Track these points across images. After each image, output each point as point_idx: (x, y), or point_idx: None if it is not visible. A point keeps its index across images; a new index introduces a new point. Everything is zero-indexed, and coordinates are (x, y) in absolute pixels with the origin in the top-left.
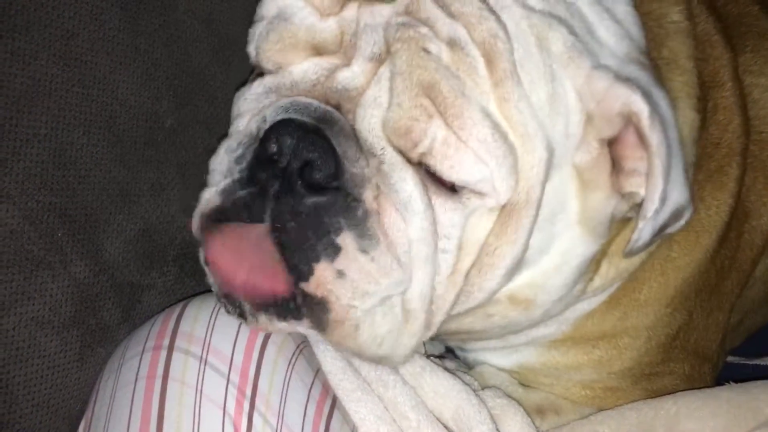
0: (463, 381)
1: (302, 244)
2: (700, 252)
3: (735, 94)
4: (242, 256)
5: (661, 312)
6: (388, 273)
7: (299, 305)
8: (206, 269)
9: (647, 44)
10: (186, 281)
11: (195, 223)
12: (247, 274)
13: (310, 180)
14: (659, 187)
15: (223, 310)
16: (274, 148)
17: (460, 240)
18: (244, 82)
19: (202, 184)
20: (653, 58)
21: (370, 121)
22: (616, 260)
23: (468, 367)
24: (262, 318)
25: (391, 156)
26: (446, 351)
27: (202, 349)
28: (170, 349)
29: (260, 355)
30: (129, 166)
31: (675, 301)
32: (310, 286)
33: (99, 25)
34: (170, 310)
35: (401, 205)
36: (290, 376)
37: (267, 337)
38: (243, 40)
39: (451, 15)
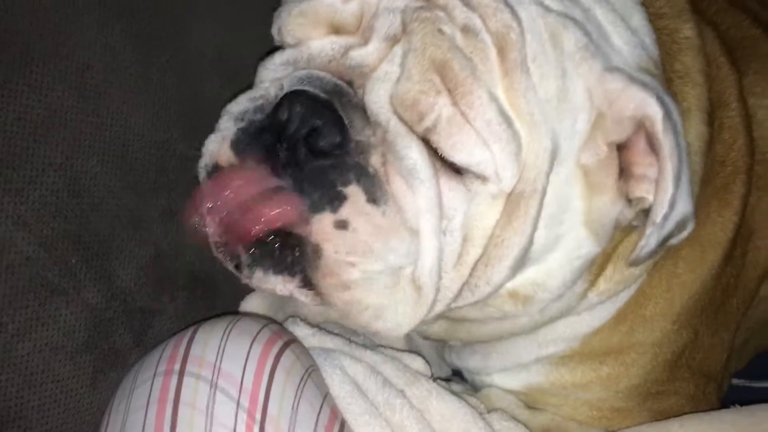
0: (469, 404)
1: (304, 194)
2: (706, 268)
3: (740, 114)
4: (250, 194)
5: (667, 329)
6: (398, 233)
7: (296, 257)
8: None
9: (661, 57)
10: (196, 306)
11: (203, 165)
12: (255, 210)
13: (315, 146)
14: (669, 192)
15: (234, 332)
16: (285, 115)
17: (464, 227)
18: (269, 52)
19: None
20: (666, 71)
21: (378, 93)
22: (621, 264)
23: (474, 389)
24: (258, 271)
25: (395, 125)
26: (453, 374)
27: (213, 374)
28: (181, 373)
29: (270, 379)
30: (141, 194)
31: (681, 318)
32: (305, 231)
33: (113, 57)
34: (181, 334)
35: (407, 172)
36: (299, 401)
37: (276, 361)
38: (252, 69)
39: (468, 5)
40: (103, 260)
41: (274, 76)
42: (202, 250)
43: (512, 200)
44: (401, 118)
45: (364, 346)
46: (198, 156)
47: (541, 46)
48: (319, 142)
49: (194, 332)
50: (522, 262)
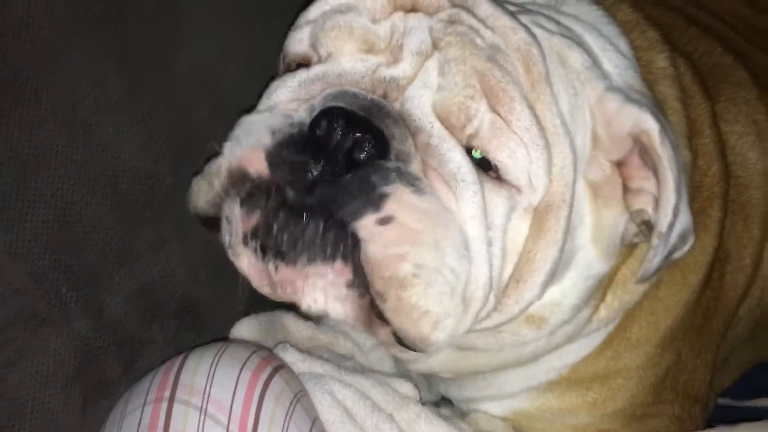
0: (458, 428)
1: (348, 201)
2: (687, 292)
3: (714, 141)
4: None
5: (651, 352)
6: (446, 221)
7: (342, 240)
8: (241, 207)
9: None
10: (186, 334)
11: (226, 168)
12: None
13: (357, 158)
14: (672, 201)
15: (223, 359)
16: (323, 131)
17: (503, 237)
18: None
19: (202, 240)
20: None
21: (420, 100)
22: (620, 292)
23: (463, 414)
24: (302, 259)
25: (439, 130)
26: (442, 398)
27: (202, 400)
28: (171, 401)
29: (259, 405)
30: (130, 224)
31: (664, 341)
32: (354, 226)
33: (102, 91)
34: (170, 362)
35: (450, 176)
36: (288, 426)
37: (266, 387)
38: (241, 99)
39: (489, 27)
40: (93, 290)
41: (299, 94)
42: (190, 280)
43: (540, 213)
44: (445, 126)
45: (354, 371)
46: (185, 187)
47: (553, 64)
48: (361, 155)
49: (184, 360)
50: (552, 277)
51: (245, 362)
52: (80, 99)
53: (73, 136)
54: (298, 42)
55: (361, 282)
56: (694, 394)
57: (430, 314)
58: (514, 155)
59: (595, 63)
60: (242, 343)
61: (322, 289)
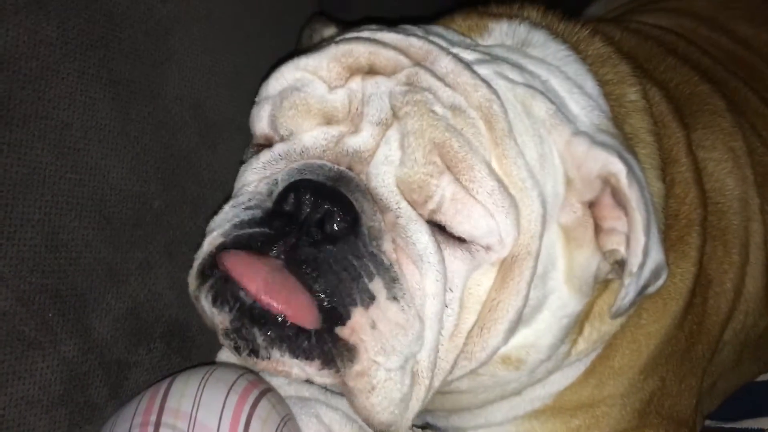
0: None
1: (339, 286)
2: (668, 318)
3: (690, 169)
4: (267, 279)
5: (635, 379)
6: (412, 325)
7: (313, 345)
8: (212, 307)
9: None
10: (173, 357)
11: (195, 267)
12: (276, 298)
13: (330, 231)
14: (641, 241)
15: (210, 382)
16: (290, 204)
17: (462, 296)
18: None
19: (190, 262)
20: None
21: (384, 178)
22: (598, 324)
23: None
24: (276, 354)
25: (406, 210)
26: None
27: (189, 424)
28: (157, 425)
29: (245, 429)
30: (118, 247)
31: (647, 368)
32: (345, 331)
33: (91, 115)
34: (157, 385)
35: (417, 257)
36: None
37: (252, 410)
38: (228, 124)
39: (448, 85)
40: (80, 313)
41: (263, 174)
42: (178, 302)
43: (507, 264)
44: (409, 201)
45: (340, 394)
46: (173, 210)
47: (517, 116)
48: (334, 227)
49: (170, 383)
50: (516, 324)
51: (232, 385)
52: (69, 123)
53: (62, 159)
54: (259, 120)
55: (334, 365)
56: (680, 418)
57: (386, 408)
58: (478, 224)
59: (562, 107)
60: (229, 366)
61: (299, 371)
